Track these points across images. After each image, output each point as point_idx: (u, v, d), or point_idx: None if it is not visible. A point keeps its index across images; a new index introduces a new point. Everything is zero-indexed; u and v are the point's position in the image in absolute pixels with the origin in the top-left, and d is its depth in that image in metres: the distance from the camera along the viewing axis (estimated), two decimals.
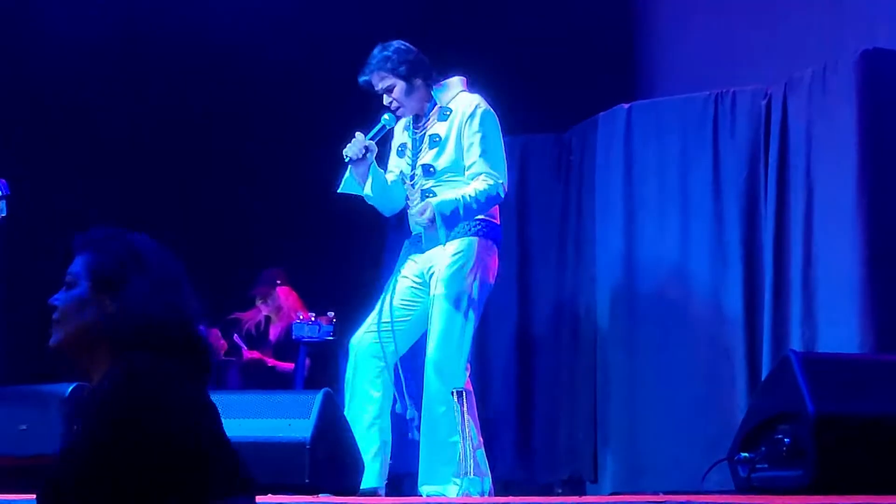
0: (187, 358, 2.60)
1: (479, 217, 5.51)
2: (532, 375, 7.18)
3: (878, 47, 5.91)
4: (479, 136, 5.48)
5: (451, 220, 5.39)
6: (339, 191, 5.74)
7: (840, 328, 5.67)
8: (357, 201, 5.94)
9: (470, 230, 5.48)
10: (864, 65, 5.78)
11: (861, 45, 5.99)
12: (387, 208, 5.77)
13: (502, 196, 5.51)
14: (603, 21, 8.28)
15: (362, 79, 5.59)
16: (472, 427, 5.39)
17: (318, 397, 4.82)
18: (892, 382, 3.84)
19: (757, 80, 6.47)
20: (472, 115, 5.50)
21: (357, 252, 7.87)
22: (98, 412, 2.47)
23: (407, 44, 5.62)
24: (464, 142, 5.50)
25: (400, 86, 5.55)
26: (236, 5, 8.16)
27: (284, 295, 8.28)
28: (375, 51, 5.60)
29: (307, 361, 7.55)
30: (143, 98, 8.36)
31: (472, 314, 5.46)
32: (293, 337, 7.40)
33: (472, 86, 5.71)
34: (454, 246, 5.48)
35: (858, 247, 5.67)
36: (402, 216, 5.81)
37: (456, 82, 5.66)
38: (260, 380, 7.94)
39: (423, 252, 5.58)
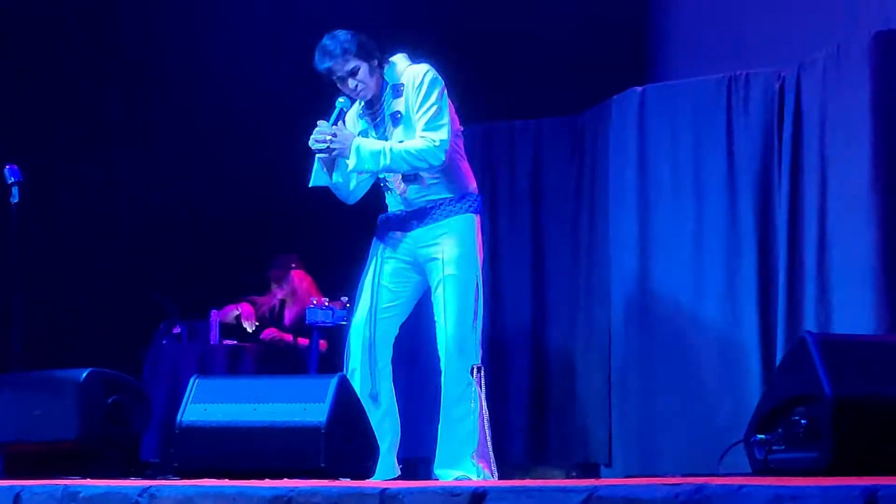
0: None
1: (470, 192, 5.65)
2: (546, 359, 7.18)
3: (892, 28, 5.88)
4: (420, 99, 5.56)
5: (367, 158, 5.48)
6: (311, 185, 5.77)
7: (854, 311, 5.65)
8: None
9: (467, 207, 5.61)
10: (878, 46, 5.76)
11: (874, 27, 5.96)
12: (351, 196, 5.82)
13: (441, 158, 5.50)
14: (616, 3, 8.26)
15: (323, 66, 5.58)
16: (485, 405, 5.51)
17: (334, 381, 4.81)
18: None
19: (770, 63, 6.45)
20: (420, 83, 5.57)
21: (370, 237, 7.88)
22: None
23: (352, 30, 5.65)
24: (412, 108, 5.56)
25: (364, 67, 5.59)
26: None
27: (299, 279, 8.33)
28: (327, 39, 5.60)
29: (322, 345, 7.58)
30: (158, 86, 8.37)
31: (481, 290, 5.60)
32: (306, 322, 7.42)
33: (418, 58, 5.74)
34: (457, 224, 5.58)
35: (873, 229, 5.65)
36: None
37: (400, 58, 5.71)
38: (275, 364, 7.96)
39: (411, 231, 5.63)
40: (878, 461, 3.64)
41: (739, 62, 6.68)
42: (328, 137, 5.56)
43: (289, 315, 8.40)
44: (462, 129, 5.80)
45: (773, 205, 6.17)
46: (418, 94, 5.56)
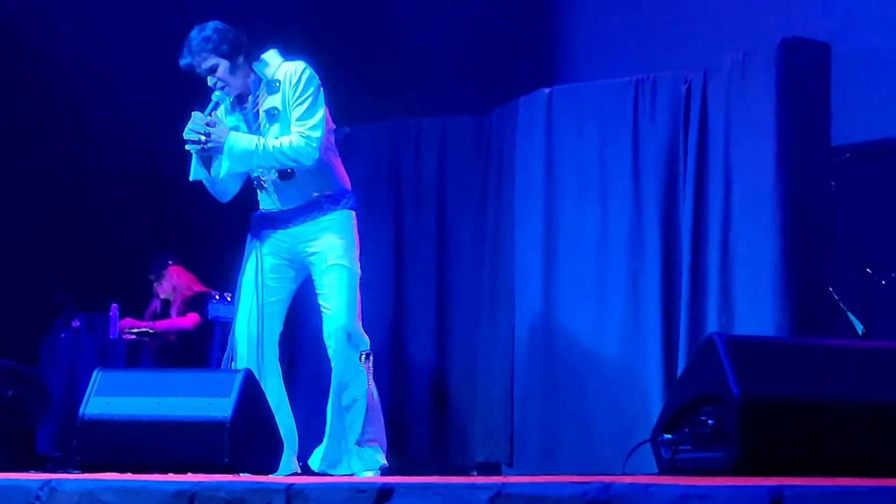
0: None
1: (346, 188, 5.68)
2: (449, 359, 7.17)
3: (797, 36, 5.96)
4: (297, 94, 5.53)
5: (239, 157, 5.44)
6: (191, 178, 5.71)
7: (757, 312, 5.72)
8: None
9: (344, 203, 5.64)
10: (783, 53, 5.83)
11: (778, 34, 6.03)
12: (225, 194, 5.77)
13: (314, 157, 5.49)
14: (524, 4, 8.29)
15: (183, 62, 5.59)
16: (374, 390, 5.61)
17: (239, 376, 4.77)
18: (814, 365, 3.86)
19: (677, 67, 6.50)
20: (297, 80, 5.55)
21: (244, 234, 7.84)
22: None
23: (223, 23, 5.64)
24: (289, 104, 5.54)
25: (223, 65, 5.58)
26: None
27: (177, 274, 8.33)
28: (193, 33, 5.60)
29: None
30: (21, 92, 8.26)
31: (358, 281, 5.64)
32: (209, 317, 7.35)
33: (292, 55, 5.70)
34: (337, 218, 5.62)
35: (775, 232, 5.72)
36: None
37: (273, 54, 5.69)
38: (174, 359, 7.90)
39: (288, 228, 5.62)
40: (784, 461, 3.67)
41: (647, 66, 6.72)
42: (202, 137, 5.49)
43: (174, 310, 8.37)
44: (335, 127, 5.80)
45: (677, 209, 6.22)
46: (295, 91, 5.53)
